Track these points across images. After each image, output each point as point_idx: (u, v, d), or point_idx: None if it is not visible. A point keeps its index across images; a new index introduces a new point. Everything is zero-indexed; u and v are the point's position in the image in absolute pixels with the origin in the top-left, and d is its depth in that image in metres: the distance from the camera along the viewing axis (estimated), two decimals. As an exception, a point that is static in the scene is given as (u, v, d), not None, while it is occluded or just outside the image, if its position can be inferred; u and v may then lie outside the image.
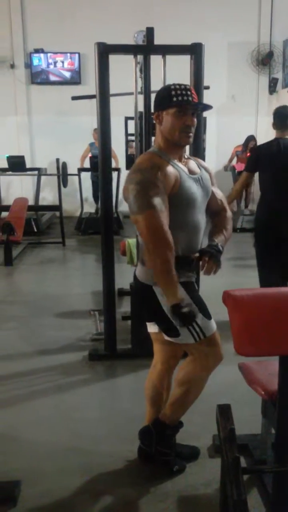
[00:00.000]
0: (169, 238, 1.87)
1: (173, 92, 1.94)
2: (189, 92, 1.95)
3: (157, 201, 1.87)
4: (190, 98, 1.94)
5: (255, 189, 8.84)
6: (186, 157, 2.11)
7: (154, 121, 2.06)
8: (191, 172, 2.05)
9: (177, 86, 1.96)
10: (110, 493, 2.10)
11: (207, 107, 2.07)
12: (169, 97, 1.95)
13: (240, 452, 1.66)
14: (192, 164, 2.11)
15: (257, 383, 2.01)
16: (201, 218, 2.08)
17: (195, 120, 1.99)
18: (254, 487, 2.10)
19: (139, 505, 2.03)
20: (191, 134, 1.99)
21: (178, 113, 1.95)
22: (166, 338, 2.10)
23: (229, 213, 2.22)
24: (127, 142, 7.22)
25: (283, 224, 3.53)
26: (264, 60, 9.30)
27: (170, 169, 1.95)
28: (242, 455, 2.06)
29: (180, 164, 2.02)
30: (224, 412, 1.78)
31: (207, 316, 2.05)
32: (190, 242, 2.04)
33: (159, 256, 1.88)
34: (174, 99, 1.94)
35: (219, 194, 2.21)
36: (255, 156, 3.78)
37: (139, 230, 1.96)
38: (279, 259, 3.62)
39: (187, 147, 2.29)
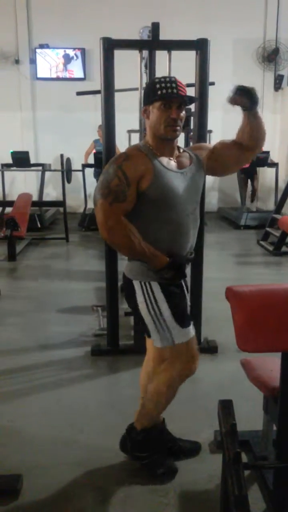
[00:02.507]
0: (123, 228, 1.85)
1: (157, 86, 1.90)
2: (174, 85, 1.89)
3: (115, 191, 1.83)
4: (175, 91, 1.88)
5: (261, 186, 8.87)
6: (181, 150, 2.05)
7: (142, 116, 2.02)
8: (180, 167, 1.99)
9: (162, 79, 1.92)
10: (110, 487, 2.11)
11: (193, 99, 2.02)
12: (154, 91, 1.90)
13: (241, 448, 1.67)
14: (185, 158, 2.04)
15: (259, 380, 2.01)
16: (187, 218, 1.97)
17: (182, 113, 1.93)
18: (255, 483, 2.10)
19: (139, 500, 2.03)
20: (178, 128, 1.92)
21: (163, 106, 1.89)
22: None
23: None
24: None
25: None
26: (270, 57, 9.28)
27: (141, 160, 1.88)
28: (243, 451, 2.07)
29: (164, 160, 1.94)
30: (226, 408, 1.78)
31: (182, 323, 1.97)
32: (174, 243, 1.96)
33: (118, 245, 1.92)
34: (159, 92, 1.89)
35: (228, 139, 2.16)
36: None
37: (97, 221, 1.92)
38: None
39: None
